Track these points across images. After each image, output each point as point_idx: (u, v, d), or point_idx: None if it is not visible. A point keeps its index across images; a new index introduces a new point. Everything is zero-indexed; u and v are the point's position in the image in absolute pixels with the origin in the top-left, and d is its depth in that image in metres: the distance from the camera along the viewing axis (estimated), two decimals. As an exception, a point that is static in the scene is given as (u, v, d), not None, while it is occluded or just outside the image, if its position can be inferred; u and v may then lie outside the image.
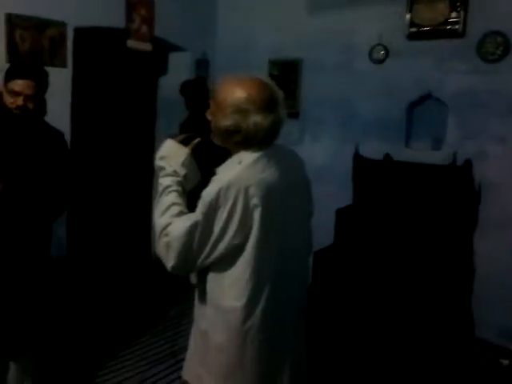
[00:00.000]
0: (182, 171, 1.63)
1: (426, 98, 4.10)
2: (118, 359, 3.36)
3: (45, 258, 2.55)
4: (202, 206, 1.54)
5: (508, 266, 3.77)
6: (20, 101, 2.33)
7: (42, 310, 2.56)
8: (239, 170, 1.58)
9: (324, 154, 4.59)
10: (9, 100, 2.34)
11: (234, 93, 1.62)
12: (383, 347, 3.33)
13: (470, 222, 3.87)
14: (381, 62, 4.26)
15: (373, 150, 4.19)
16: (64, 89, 3.77)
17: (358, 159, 4.21)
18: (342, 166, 4.35)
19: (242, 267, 1.59)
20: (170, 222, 1.56)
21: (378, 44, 4.24)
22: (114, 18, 4.08)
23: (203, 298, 1.68)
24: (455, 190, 3.77)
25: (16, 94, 2.33)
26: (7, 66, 3.32)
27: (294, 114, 4.81)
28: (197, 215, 1.54)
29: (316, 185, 4.48)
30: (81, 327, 3.66)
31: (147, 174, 4.51)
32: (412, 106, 4.18)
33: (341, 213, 3.98)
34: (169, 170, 1.62)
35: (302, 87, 4.71)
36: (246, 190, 1.53)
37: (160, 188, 1.62)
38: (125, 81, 4.47)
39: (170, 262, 1.55)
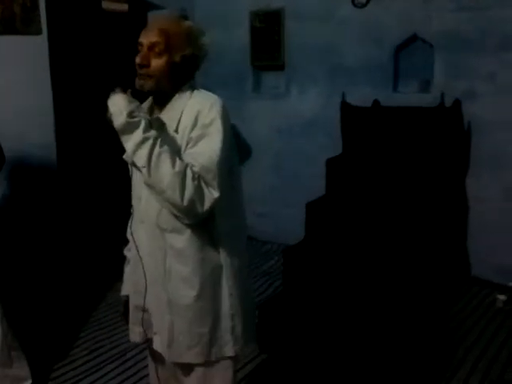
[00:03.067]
0: (153, 121, 1.57)
1: (412, 40, 4.03)
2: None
3: None
4: (215, 125, 1.57)
5: (501, 204, 3.79)
6: None
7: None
8: (207, 93, 1.67)
9: (312, 105, 4.54)
10: None
11: (180, 22, 1.67)
12: (381, 289, 3.37)
13: (461, 163, 3.86)
14: (364, 5, 4.16)
15: (361, 97, 4.13)
16: (41, 56, 3.69)
17: (346, 108, 4.17)
18: (330, 117, 4.30)
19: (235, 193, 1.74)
20: (186, 163, 1.52)
21: (360, -13, 4.13)
22: (87, -21, 3.97)
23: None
24: (445, 131, 3.75)
25: None
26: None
27: (279, 66, 4.73)
28: (214, 138, 1.56)
29: (305, 137, 4.58)
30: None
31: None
32: (398, 49, 4.10)
33: (331, 163, 3.96)
34: (145, 122, 1.50)
35: (286, 38, 4.61)
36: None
37: (149, 142, 1.47)
38: (103, 44, 4.36)
39: (214, 193, 1.53)
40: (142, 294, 1.76)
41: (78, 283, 3.91)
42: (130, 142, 1.48)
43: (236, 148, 1.70)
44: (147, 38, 1.61)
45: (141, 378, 2.84)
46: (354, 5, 4.20)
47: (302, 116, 4.58)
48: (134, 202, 1.78)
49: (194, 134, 1.57)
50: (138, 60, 1.61)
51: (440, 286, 3.69)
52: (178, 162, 1.50)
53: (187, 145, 1.58)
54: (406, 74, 4.13)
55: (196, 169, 1.52)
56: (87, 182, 4.25)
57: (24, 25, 3.54)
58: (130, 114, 1.48)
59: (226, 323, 1.72)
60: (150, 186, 1.52)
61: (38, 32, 3.64)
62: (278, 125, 4.75)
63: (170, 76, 1.63)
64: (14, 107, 3.48)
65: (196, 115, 1.58)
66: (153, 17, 4.84)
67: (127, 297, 1.92)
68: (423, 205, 3.55)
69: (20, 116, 3.52)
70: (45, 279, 3.68)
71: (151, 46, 1.60)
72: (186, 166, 1.51)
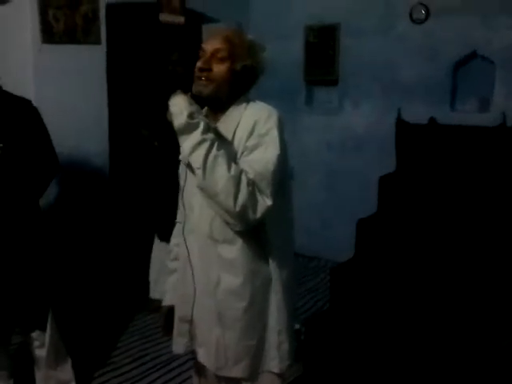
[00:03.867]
0: (210, 124, 1.59)
1: (472, 57, 3.93)
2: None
3: (35, 234, 2.50)
4: (271, 134, 1.58)
5: None
6: None
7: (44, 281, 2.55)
8: (264, 104, 1.68)
9: (365, 121, 4.47)
10: None
11: (243, 34, 1.71)
12: (433, 313, 3.25)
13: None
14: (422, 22, 4.09)
15: (417, 114, 4.04)
16: (99, 65, 3.76)
17: (401, 124, 4.08)
18: (384, 133, 4.22)
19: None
20: (241, 169, 1.52)
21: (419, 3, 4.06)
22: (146, -9, 4.03)
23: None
24: (506, 152, 3.61)
25: None
26: (43, 46, 3.37)
27: (333, 81, 4.69)
28: (270, 146, 1.57)
29: (358, 152, 4.50)
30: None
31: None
32: (457, 66, 4.00)
33: (384, 180, 3.88)
34: (204, 124, 1.51)
35: (341, 53, 4.57)
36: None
37: (206, 144, 1.47)
38: (159, 55, 4.42)
39: (267, 201, 1.52)
40: (190, 305, 1.74)
41: (125, 289, 3.94)
42: (187, 142, 1.49)
43: (288, 161, 1.69)
44: (211, 44, 1.64)
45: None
46: (413, 20, 4.12)
47: (355, 132, 4.52)
48: (185, 211, 1.77)
49: (250, 142, 1.57)
50: (199, 64, 1.63)
51: (500, 307, 3.53)
52: (233, 166, 1.50)
53: (242, 153, 1.58)
54: (465, 91, 4.02)
55: (251, 176, 1.51)
56: (138, 190, 4.29)
57: (84, 35, 3.62)
58: (191, 115, 1.49)
59: (273, 338, 1.69)
60: (203, 188, 1.52)
61: (97, 42, 3.71)
62: (330, 140, 4.70)
63: (230, 83, 1.64)
64: (71, 115, 3.55)
65: (253, 125, 1.58)
66: (207, 29, 4.90)
67: (169, 307, 1.92)
68: (481, 227, 3.41)
69: (76, 124, 3.59)
70: (93, 284, 3.72)
71: (214, 52, 1.62)
72: (241, 171, 1.51)
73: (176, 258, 1.91)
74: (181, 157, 1.53)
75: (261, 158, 1.55)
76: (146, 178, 3.76)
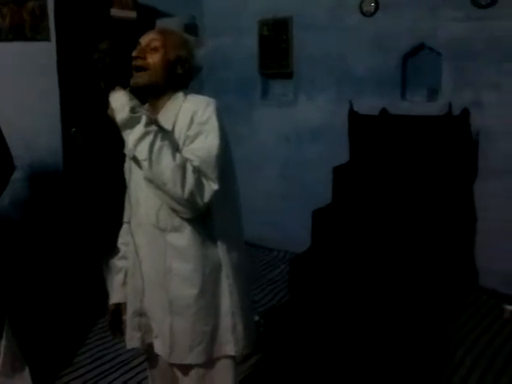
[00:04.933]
0: (151, 117, 1.63)
1: (420, 48, 4.02)
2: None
3: None
4: (211, 123, 1.62)
5: (508, 213, 3.75)
6: None
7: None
8: (201, 96, 1.72)
9: (320, 113, 4.53)
10: None
11: (178, 31, 1.81)
12: (387, 298, 3.35)
13: (469, 172, 3.84)
14: (372, 14, 4.16)
15: (369, 105, 4.12)
16: (49, 62, 3.72)
17: (354, 116, 4.16)
18: (338, 125, 4.29)
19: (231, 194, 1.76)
20: (186, 158, 1.56)
21: (368, -4, 4.13)
22: (96, -14, 3.99)
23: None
24: (453, 140, 3.73)
25: None
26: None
27: (288, 75, 4.74)
28: (211, 134, 1.61)
29: (313, 144, 4.57)
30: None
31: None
32: (406, 58, 4.09)
33: (338, 170, 3.95)
34: (146, 117, 1.54)
35: (294, 46, 4.61)
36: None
37: (150, 136, 1.51)
38: (111, 50, 4.36)
39: (213, 186, 1.57)
40: (141, 299, 1.77)
41: (82, 289, 3.90)
42: (131, 136, 1.52)
43: (230, 148, 1.74)
44: (146, 37, 1.72)
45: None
46: (363, 13, 4.19)
47: (310, 124, 4.58)
48: (132, 206, 1.80)
49: (191, 132, 1.62)
50: (134, 53, 1.69)
51: (446, 295, 3.65)
52: (178, 155, 1.54)
53: (184, 143, 1.62)
54: (414, 82, 4.12)
55: (195, 163, 1.56)
56: (92, 187, 4.24)
57: (33, 31, 3.57)
58: (132, 110, 1.53)
59: (226, 322, 1.72)
60: (150, 179, 1.55)
61: (47, 38, 3.66)
62: (285, 132, 4.75)
63: (164, 72, 1.69)
64: (21, 113, 3.50)
65: (192, 115, 1.63)
66: (161, 24, 4.88)
67: (116, 305, 1.94)
68: (430, 213, 3.52)
69: (28, 122, 3.54)
70: (49, 286, 3.68)
71: (149, 43, 1.70)
72: (186, 159, 1.55)
73: (123, 257, 1.94)
74: (126, 150, 1.57)
75: (203, 145, 1.60)
76: (98, 178, 3.70)
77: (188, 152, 1.59)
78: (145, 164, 1.52)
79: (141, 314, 1.80)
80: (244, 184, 5.30)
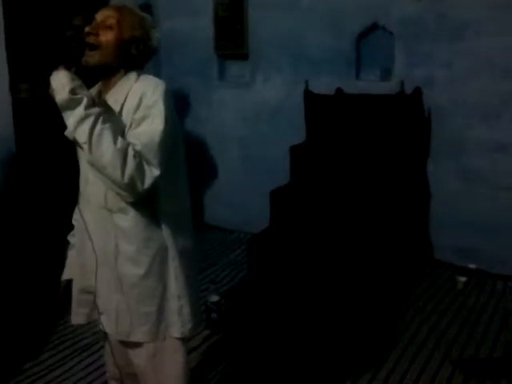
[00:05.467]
0: (97, 98, 1.59)
1: (373, 28, 4.07)
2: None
3: None
4: (157, 107, 1.60)
5: (461, 187, 3.88)
6: None
7: None
8: (152, 78, 1.70)
9: (276, 93, 4.55)
10: None
11: (135, 9, 1.76)
12: (344, 274, 3.43)
13: (422, 149, 3.94)
14: (326, -7, 4.18)
15: (324, 85, 4.16)
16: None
17: (309, 96, 4.19)
18: (295, 105, 4.32)
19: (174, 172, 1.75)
20: (128, 142, 1.55)
21: (322, -25, 4.15)
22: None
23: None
24: (406, 118, 3.81)
25: None
26: None
27: (243, 56, 4.73)
28: (156, 119, 1.59)
29: (270, 124, 4.59)
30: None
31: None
32: (359, 37, 4.14)
33: (295, 150, 3.99)
34: (87, 99, 1.51)
35: (250, 27, 4.60)
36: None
37: (91, 119, 1.48)
38: (62, 28, 4.26)
39: (155, 171, 1.56)
40: (90, 276, 1.78)
41: (41, 276, 3.87)
42: (71, 118, 1.50)
43: (181, 131, 1.75)
44: (101, 14, 1.69)
45: (105, 372, 2.83)
46: (317, -7, 4.21)
47: (267, 104, 4.59)
48: (81, 184, 1.80)
49: (137, 115, 1.61)
50: (87, 28, 1.66)
51: (403, 268, 3.77)
52: (119, 139, 1.52)
53: (131, 125, 1.61)
54: (368, 62, 4.17)
55: (137, 147, 1.55)
56: (46, 170, 4.18)
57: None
58: (73, 91, 1.49)
59: (172, 304, 1.75)
60: (91, 163, 1.54)
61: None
62: (243, 113, 4.75)
63: (117, 51, 1.67)
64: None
65: (140, 97, 1.61)
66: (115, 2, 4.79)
67: (68, 281, 1.95)
68: (386, 190, 3.61)
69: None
70: (8, 273, 3.63)
71: (104, 20, 1.66)
72: (128, 144, 1.54)
73: (74, 234, 1.94)
74: (66, 132, 1.54)
75: (147, 130, 1.59)
76: (56, 158, 3.64)
77: (132, 136, 1.58)
78: (85, 147, 1.50)
79: (88, 291, 1.82)
80: (203, 165, 5.31)
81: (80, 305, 1.87)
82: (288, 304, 3.41)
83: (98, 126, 1.49)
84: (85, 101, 1.50)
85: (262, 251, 3.69)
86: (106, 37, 1.65)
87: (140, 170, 1.54)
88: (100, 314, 1.80)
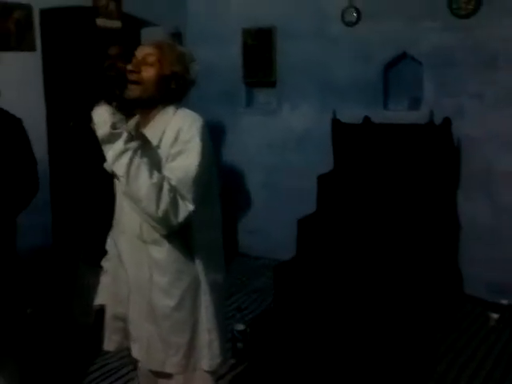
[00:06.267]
0: (134, 131, 1.65)
1: (401, 58, 4.09)
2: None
3: (9, 254, 2.41)
4: (194, 142, 1.63)
5: (492, 222, 3.82)
6: None
7: (17, 309, 2.49)
8: (190, 112, 1.73)
9: (303, 121, 4.58)
10: None
11: (175, 44, 1.81)
12: (372, 306, 3.38)
13: (452, 180, 3.90)
14: (354, 24, 4.22)
15: (352, 114, 4.17)
16: (35, 72, 3.71)
17: (337, 124, 4.21)
18: (321, 133, 4.34)
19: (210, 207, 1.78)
20: (164, 176, 1.59)
21: (350, 6, 4.20)
22: (81, -4, 4.00)
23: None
24: (435, 148, 3.79)
25: None
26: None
27: (271, 83, 4.78)
28: (191, 154, 1.62)
29: (296, 152, 4.61)
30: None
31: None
32: (388, 67, 4.16)
33: (322, 179, 3.99)
34: (127, 134, 1.56)
35: (278, 55, 4.66)
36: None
37: (129, 153, 1.53)
38: (97, 60, 4.38)
39: (189, 206, 1.59)
40: (124, 303, 1.81)
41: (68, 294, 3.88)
42: (111, 152, 1.54)
43: (216, 165, 1.78)
44: (142, 50, 1.73)
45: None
46: (345, 23, 4.25)
47: (294, 132, 4.62)
48: (116, 212, 1.84)
49: (174, 149, 1.64)
50: (129, 66, 1.70)
51: (433, 303, 3.69)
52: (155, 173, 1.56)
53: (167, 159, 1.64)
54: (396, 91, 4.19)
55: (173, 182, 1.59)
56: (79, 196, 4.23)
57: (18, 41, 3.57)
58: (114, 126, 1.54)
59: (203, 337, 1.76)
60: (128, 195, 1.59)
61: (32, 48, 3.66)
62: (269, 140, 4.78)
63: (158, 87, 1.71)
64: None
65: (177, 132, 1.65)
66: (146, 33, 4.90)
67: (100, 306, 1.96)
68: (415, 222, 3.57)
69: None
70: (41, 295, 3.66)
71: (144, 57, 1.71)
72: (163, 178, 1.58)
73: (109, 259, 1.97)
74: (105, 165, 1.59)
75: (182, 165, 1.62)
76: (85, 188, 3.66)
77: (168, 170, 1.62)
78: (122, 180, 1.55)
79: (121, 318, 1.85)
80: (229, 192, 5.32)
81: (112, 331, 1.89)
82: (314, 334, 3.37)
83: (136, 160, 1.54)
84: (124, 135, 1.55)
85: (288, 279, 3.67)
86: (148, 73, 1.69)
87: (174, 204, 1.57)
88: (132, 341, 1.82)
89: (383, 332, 3.32)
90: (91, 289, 3.27)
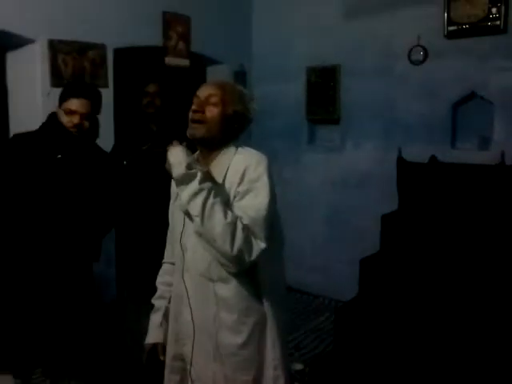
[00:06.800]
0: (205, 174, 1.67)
1: (470, 97, 4.00)
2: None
3: (89, 276, 2.58)
4: (261, 180, 1.66)
5: None
6: (76, 119, 2.38)
7: (86, 331, 2.58)
8: (254, 151, 1.77)
9: (367, 159, 4.53)
10: (65, 119, 2.39)
11: (235, 84, 1.89)
12: (442, 354, 3.23)
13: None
14: (420, 63, 4.18)
15: (417, 153, 4.09)
16: (106, 107, 3.84)
17: (402, 163, 4.13)
18: (385, 172, 4.27)
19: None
20: (237, 215, 1.61)
21: (417, 45, 4.16)
22: (152, 36, 4.16)
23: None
24: (506, 190, 3.65)
25: (71, 112, 2.39)
26: (52, 90, 3.47)
27: (335, 121, 4.78)
28: (260, 192, 1.65)
29: (359, 191, 4.56)
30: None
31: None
32: (456, 105, 4.07)
33: (386, 219, 3.91)
34: (201, 174, 1.60)
35: (341, 93, 4.66)
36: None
37: (204, 193, 1.57)
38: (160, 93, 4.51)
39: (261, 244, 1.62)
40: (186, 343, 1.80)
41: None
42: (186, 192, 1.59)
43: (276, 203, 1.79)
44: (205, 90, 1.78)
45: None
46: (411, 62, 4.22)
47: (357, 170, 4.57)
48: (175, 250, 1.86)
49: (242, 188, 1.67)
50: (193, 106, 1.75)
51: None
52: (229, 213, 1.60)
53: (234, 197, 1.67)
54: (465, 130, 4.08)
55: (245, 221, 1.61)
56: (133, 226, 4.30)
57: (92, 78, 3.73)
58: (189, 166, 1.60)
59: (268, 374, 1.75)
60: (201, 234, 1.61)
61: (105, 85, 3.82)
62: (332, 178, 4.75)
63: (222, 126, 1.75)
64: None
65: (243, 170, 1.68)
66: (212, 71, 5.02)
67: (153, 345, 1.96)
68: (484, 267, 3.42)
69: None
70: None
71: (207, 97, 1.75)
72: (237, 218, 1.60)
73: (161, 297, 1.99)
74: (179, 204, 1.65)
75: (253, 203, 1.65)
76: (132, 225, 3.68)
77: (238, 209, 1.64)
78: (197, 220, 1.58)
79: (180, 358, 1.85)
80: (290, 229, 5.29)
81: (172, 371, 1.89)
82: (376, 379, 3.25)
83: (210, 200, 1.57)
84: (199, 175, 1.59)
85: (350, 321, 3.58)
86: (212, 113, 1.73)
87: (248, 243, 1.59)
88: (192, 381, 1.81)
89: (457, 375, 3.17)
90: (139, 326, 3.31)
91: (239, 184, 1.67)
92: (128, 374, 3.38)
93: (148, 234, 3.38)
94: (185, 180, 1.59)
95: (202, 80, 5.00)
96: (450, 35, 3.99)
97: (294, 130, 4.98)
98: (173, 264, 1.94)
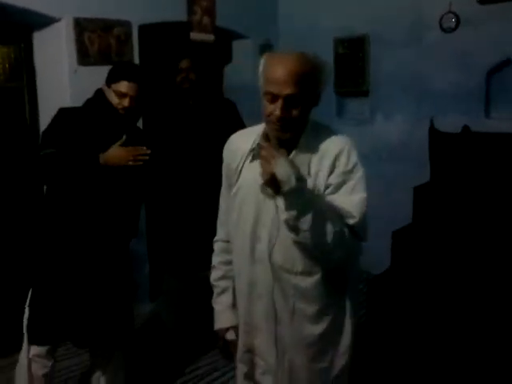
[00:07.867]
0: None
1: (506, 64, 3.86)
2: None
3: (126, 252, 2.60)
4: (356, 172, 1.64)
5: None
6: (126, 102, 2.38)
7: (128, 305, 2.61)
8: (339, 135, 1.73)
9: (398, 131, 4.44)
10: (115, 101, 2.39)
11: (307, 64, 1.61)
12: (471, 322, 3.19)
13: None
14: (452, 30, 4.05)
15: (450, 123, 3.99)
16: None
17: (434, 134, 4.04)
18: (417, 143, 4.18)
19: None
20: (344, 222, 1.59)
21: (449, 12, 4.02)
22: (176, 12, 4.11)
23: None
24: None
25: (122, 95, 2.38)
26: (79, 68, 3.48)
27: (364, 93, 4.69)
28: (358, 186, 1.63)
29: (391, 163, 4.47)
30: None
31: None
32: (490, 73, 3.94)
33: (419, 190, 3.84)
34: (307, 181, 1.56)
35: (371, 64, 4.56)
36: None
37: (313, 204, 1.52)
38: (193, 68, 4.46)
39: (362, 243, 1.66)
40: (258, 334, 1.77)
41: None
42: (296, 206, 1.50)
43: None
44: (281, 89, 1.56)
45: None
46: (443, 29, 4.09)
47: (388, 142, 4.49)
48: (240, 239, 1.75)
49: (335, 180, 1.60)
50: (278, 112, 1.57)
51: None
52: (336, 219, 1.55)
53: (325, 189, 1.59)
54: (500, 99, 3.96)
55: (350, 222, 1.58)
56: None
57: (118, 56, 3.72)
58: (300, 178, 1.51)
59: (343, 360, 1.77)
60: (302, 243, 1.57)
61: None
62: (362, 151, 4.60)
63: (305, 116, 1.66)
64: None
65: (333, 159, 1.60)
66: (237, 46, 4.94)
67: (228, 330, 1.89)
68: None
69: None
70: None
71: (286, 98, 1.57)
72: (343, 223, 1.56)
73: (225, 277, 1.90)
74: (284, 218, 1.55)
75: (352, 199, 1.59)
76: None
77: (336, 204, 1.58)
78: (306, 234, 1.51)
79: (250, 349, 1.81)
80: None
81: (241, 361, 1.86)
82: (409, 349, 3.23)
83: (319, 211, 1.51)
84: (307, 185, 1.53)
85: (383, 293, 3.55)
86: (295, 115, 1.61)
87: (353, 247, 1.62)
88: (261, 374, 1.79)
89: (484, 349, 3.13)
90: (178, 297, 3.33)
91: (330, 173, 1.59)
92: (164, 349, 3.44)
93: (182, 209, 3.39)
94: (294, 194, 1.49)
95: (227, 54, 4.95)
96: (482, 0, 3.84)
97: (323, 103, 4.82)
98: (227, 242, 1.87)
